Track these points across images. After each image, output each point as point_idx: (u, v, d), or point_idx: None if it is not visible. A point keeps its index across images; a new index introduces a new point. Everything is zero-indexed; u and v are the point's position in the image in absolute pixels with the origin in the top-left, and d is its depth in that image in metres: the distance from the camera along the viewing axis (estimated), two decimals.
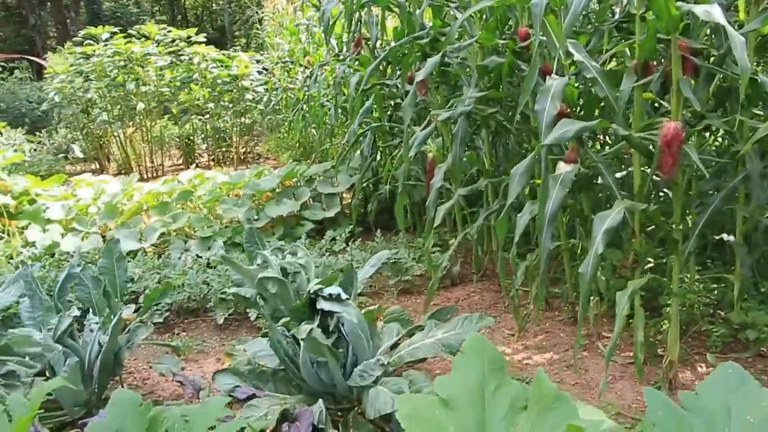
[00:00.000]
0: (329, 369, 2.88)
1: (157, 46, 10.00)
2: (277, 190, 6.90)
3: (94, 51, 9.86)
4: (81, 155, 12.01)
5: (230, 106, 10.20)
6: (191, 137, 11.12)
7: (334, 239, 5.99)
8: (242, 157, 11.83)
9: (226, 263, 3.83)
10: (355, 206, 6.15)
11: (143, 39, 10.09)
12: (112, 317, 3.32)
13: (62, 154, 12.06)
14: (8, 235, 6.32)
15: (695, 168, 3.21)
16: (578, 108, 3.73)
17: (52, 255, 5.89)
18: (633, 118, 3.35)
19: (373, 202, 6.37)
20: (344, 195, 7.05)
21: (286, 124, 9.80)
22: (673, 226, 3.15)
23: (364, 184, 6.27)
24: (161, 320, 4.79)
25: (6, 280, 3.85)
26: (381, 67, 5.69)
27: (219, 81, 9.95)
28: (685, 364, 3.55)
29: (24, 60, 15.05)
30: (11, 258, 5.90)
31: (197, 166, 11.37)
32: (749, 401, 1.59)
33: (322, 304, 2.94)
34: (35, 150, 12.05)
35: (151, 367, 3.76)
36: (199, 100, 10.04)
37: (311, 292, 3.02)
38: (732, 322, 3.64)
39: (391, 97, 5.95)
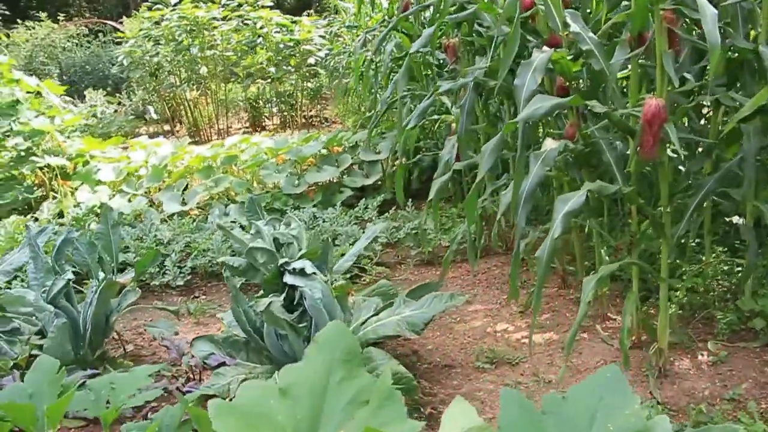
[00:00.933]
0: (290, 342, 2.89)
1: (222, 10, 10.14)
2: (321, 156, 6.92)
3: (163, 16, 10.11)
4: (156, 117, 12.40)
5: (293, 70, 10.26)
6: (258, 101, 11.28)
7: (366, 207, 5.98)
8: (309, 121, 11.92)
9: (222, 231, 3.89)
10: (390, 175, 6.11)
11: (210, 3, 10.24)
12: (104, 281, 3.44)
13: (139, 116, 12.50)
14: (61, 195, 6.62)
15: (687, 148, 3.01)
16: (580, 82, 3.55)
17: (97, 215, 6.14)
18: (630, 93, 3.17)
19: (414, 171, 6.31)
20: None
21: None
22: (661, 209, 2.98)
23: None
24: (182, 283, 4.94)
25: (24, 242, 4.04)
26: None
27: (281, 45, 10.02)
28: (686, 351, 3.39)
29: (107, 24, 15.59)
30: (61, 217, 6.19)
31: (263, 129, 11.55)
32: (615, 408, 1.49)
33: (287, 278, 2.95)
34: (115, 111, 12.51)
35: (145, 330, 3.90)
36: (261, 64, 10.15)
37: (279, 265, 3.04)
38: (743, 309, 3.44)
39: (428, 66, 5.83)
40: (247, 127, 12.21)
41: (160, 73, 10.54)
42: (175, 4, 10.13)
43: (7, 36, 14.74)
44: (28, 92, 7.62)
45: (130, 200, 6.59)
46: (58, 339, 3.25)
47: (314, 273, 2.97)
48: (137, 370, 2.38)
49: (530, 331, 3.05)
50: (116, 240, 3.70)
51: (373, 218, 5.64)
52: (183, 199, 6.50)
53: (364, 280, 4.84)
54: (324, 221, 5.64)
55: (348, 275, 4.71)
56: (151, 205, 6.59)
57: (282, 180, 6.59)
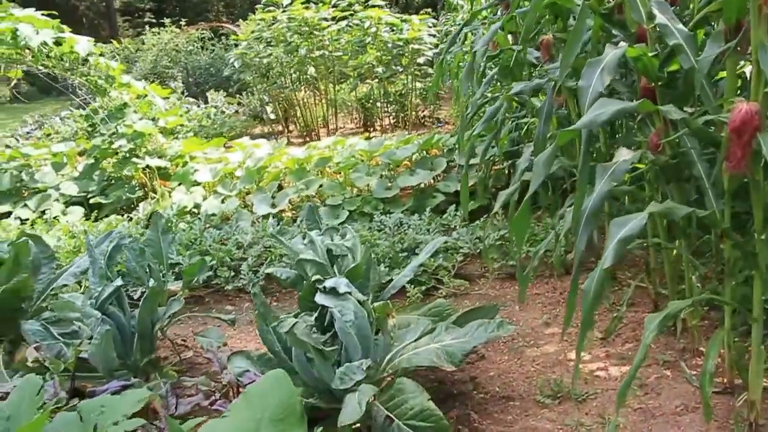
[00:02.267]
0: (316, 366, 2.66)
1: (333, 10, 10.09)
2: (416, 160, 6.68)
3: (275, 18, 10.19)
4: (273, 117, 12.58)
5: (400, 69, 10.07)
6: (369, 101, 11.17)
7: (456, 214, 5.67)
8: (421, 122, 11.70)
9: (275, 241, 3.72)
10: (481, 180, 5.76)
11: (320, 3, 10.22)
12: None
13: (257, 116, 12.73)
14: (159, 195, 6.73)
15: None
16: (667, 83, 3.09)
17: (192, 215, 6.19)
18: (725, 95, 2.71)
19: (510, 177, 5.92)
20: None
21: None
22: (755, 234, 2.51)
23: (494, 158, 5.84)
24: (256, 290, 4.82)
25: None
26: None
27: (390, 44, 9.84)
28: None
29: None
30: (174, 217, 6.27)
31: (374, 129, 11.44)
32: None
33: (318, 297, 2.72)
34: (236, 112, 12.80)
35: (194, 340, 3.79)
36: (370, 63, 10.02)
37: (312, 281, 2.81)
38: None
39: (520, 65, 5.42)
40: (359, 128, 12.14)
41: (271, 74, 10.63)
42: (287, 6, 10.18)
43: (142, 42, 15.48)
44: (138, 96, 7.85)
45: (223, 201, 6.61)
46: (102, 345, 3.18)
47: (348, 293, 2.72)
48: (128, 393, 2.22)
49: (575, 366, 2.66)
50: (165, 247, 3.62)
51: (457, 226, 5.32)
52: (273, 201, 6.44)
53: (440, 293, 4.54)
54: (409, 228, 5.38)
55: (422, 288, 4.44)
56: (244, 207, 6.58)
57: (374, 183, 6.39)
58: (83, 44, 7.12)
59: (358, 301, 2.77)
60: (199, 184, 6.89)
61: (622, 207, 4.02)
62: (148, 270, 3.44)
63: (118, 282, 3.39)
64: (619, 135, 4.09)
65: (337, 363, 2.70)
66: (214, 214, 6.11)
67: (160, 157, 7.07)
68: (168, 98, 8.49)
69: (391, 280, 3.82)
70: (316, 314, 2.76)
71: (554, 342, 3.70)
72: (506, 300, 4.36)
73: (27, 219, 6.62)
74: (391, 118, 11.75)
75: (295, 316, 2.79)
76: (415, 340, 2.81)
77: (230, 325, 3.84)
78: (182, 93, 12.92)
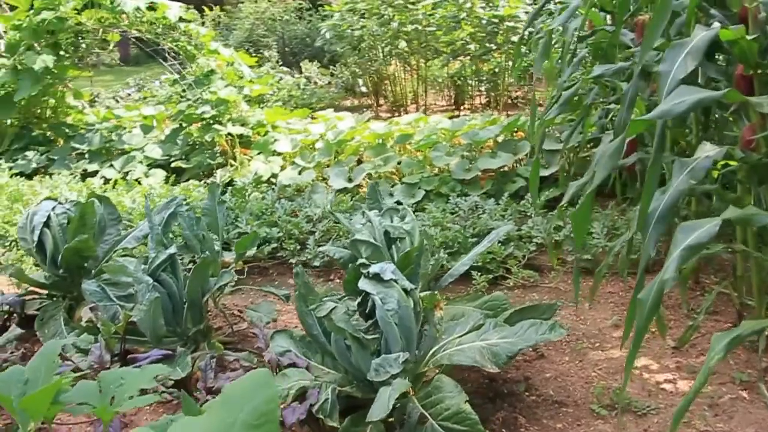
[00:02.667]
0: (353, 354, 2.54)
1: None
2: (499, 142, 6.43)
3: None
4: (366, 90, 12.49)
5: (494, 47, 9.75)
6: (460, 78, 10.91)
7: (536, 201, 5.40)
8: (514, 102, 11.35)
9: (333, 218, 3.61)
10: (562, 167, 5.48)
11: None
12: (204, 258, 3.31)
13: (349, 89, 12.67)
14: (238, 163, 6.75)
15: None
16: None
17: (267, 185, 6.18)
18: None
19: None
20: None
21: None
22: None
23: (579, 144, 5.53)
24: (319, 264, 4.76)
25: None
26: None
27: (484, 21, 9.53)
28: None
29: None
30: (230, 185, 6.30)
31: (465, 108, 11.18)
32: None
33: (361, 283, 2.58)
34: (328, 83, 12.78)
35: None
36: (462, 40, 9.74)
37: (357, 265, 2.68)
38: None
39: (615, 46, 5.07)
40: (449, 105, 11.89)
41: (362, 46, 10.51)
42: None
43: (240, 10, 15.64)
44: (228, 64, 7.88)
45: (300, 173, 6.56)
46: (150, 312, 3.16)
47: (393, 280, 2.56)
48: (149, 368, 2.15)
49: (623, 381, 2.42)
50: (221, 217, 3.56)
51: (533, 214, 5.06)
52: (350, 175, 6.34)
53: (508, 283, 4.33)
54: (484, 212, 5.17)
55: (489, 276, 4.25)
56: (321, 180, 6.53)
57: (453, 163, 6.19)
58: (174, 10, 7.19)
59: (405, 290, 2.61)
60: (278, 154, 6.86)
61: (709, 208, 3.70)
62: (201, 239, 3.39)
63: (172, 249, 3.36)
64: (714, 128, 3.76)
65: (377, 353, 2.56)
66: (288, 186, 6.08)
67: (242, 125, 7.08)
68: (255, 67, 8.48)
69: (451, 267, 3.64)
70: (359, 299, 2.62)
71: (618, 347, 3.45)
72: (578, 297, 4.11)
73: (110, 179, 6.77)
74: (482, 97, 11.45)
75: (340, 300, 2.66)
76: (461, 336, 2.64)
77: (284, 300, 3.77)
78: (276, 62, 13.00)
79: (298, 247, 4.92)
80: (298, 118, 7.74)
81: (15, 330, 3.36)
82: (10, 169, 6.99)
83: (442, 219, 4.96)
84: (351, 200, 5.73)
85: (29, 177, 6.92)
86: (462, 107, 11.26)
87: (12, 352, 3.50)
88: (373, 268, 2.57)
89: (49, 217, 3.78)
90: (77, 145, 7.32)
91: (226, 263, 3.66)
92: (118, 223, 4.14)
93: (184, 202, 3.58)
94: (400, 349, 2.52)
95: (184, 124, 7.25)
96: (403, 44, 9.95)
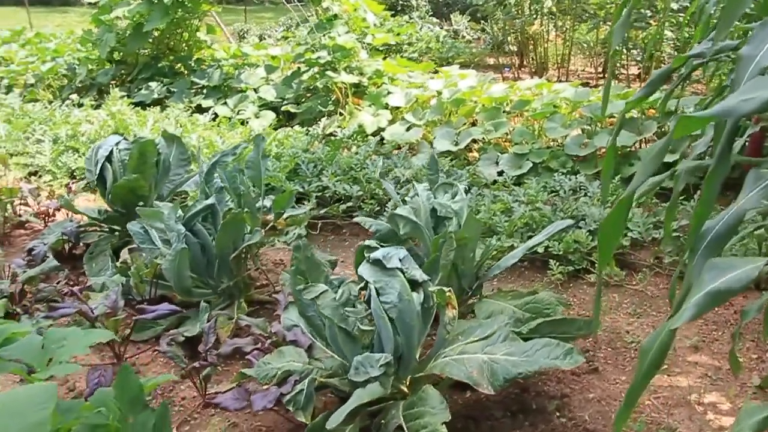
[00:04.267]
0: (340, 345, 2.27)
1: None
2: (624, 118, 5.79)
3: None
4: (514, 49, 11.89)
5: (649, 14, 8.86)
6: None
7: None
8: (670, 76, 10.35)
9: (383, 185, 3.31)
10: (683, 154, 4.83)
11: None
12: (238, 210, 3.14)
13: (497, 46, 12.10)
14: (347, 113, 6.55)
15: None
16: None
17: (368, 137, 5.96)
18: None
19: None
20: None
21: None
22: None
23: None
24: (300, 242, 4.48)
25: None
26: None
27: None
28: None
29: None
30: (331, 136, 6.12)
31: (615, 78, 10.34)
32: None
33: (361, 268, 2.29)
34: (478, 38, 12.29)
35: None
36: (614, 3, 8.93)
37: (363, 246, 2.39)
38: None
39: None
40: (597, 74, 11.06)
41: (508, 3, 9.91)
42: None
43: None
44: (355, 9, 7.64)
45: (408, 129, 6.27)
46: (175, 262, 3.05)
47: (397, 268, 2.25)
48: (94, 332, 2.00)
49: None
50: (263, 171, 3.36)
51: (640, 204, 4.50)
52: (456, 138, 5.97)
53: (589, 278, 3.88)
54: (585, 195, 4.68)
55: (570, 268, 3.82)
56: (429, 140, 6.21)
57: (568, 137, 5.66)
58: None
59: (413, 281, 2.30)
60: (390, 107, 6.59)
61: None
62: (239, 193, 3.21)
63: (210, 201, 3.22)
64: None
65: (370, 347, 2.28)
66: (385, 142, 5.81)
67: (360, 74, 6.85)
68: (395, 15, 8.18)
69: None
70: (361, 285, 2.34)
71: (695, 374, 2.95)
72: (661, 305, 3.60)
73: (220, 116, 6.79)
74: (635, 67, 10.53)
75: (342, 283, 2.39)
76: (466, 343, 2.29)
77: (331, 267, 3.54)
78: (426, 12, 12.63)
79: (377, 208, 4.67)
80: (422, 71, 7.40)
81: (51, 262, 3.37)
82: (129, 96, 7.18)
83: (535, 197, 4.52)
84: (452, 163, 5.39)
85: (147, 107, 7.08)
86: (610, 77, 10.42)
87: (58, 282, 3.53)
88: (377, 253, 2.27)
89: (111, 152, 3.75)
90: (197, 80, 7.41)
91: (267, 221, 3.47)
92: (188, 164, 4.07)
93: (232, 154, 3.39)
94: (392, 349, 2.22)
95: (302, 68, 7.13)
96: (549, 2, 9.26)
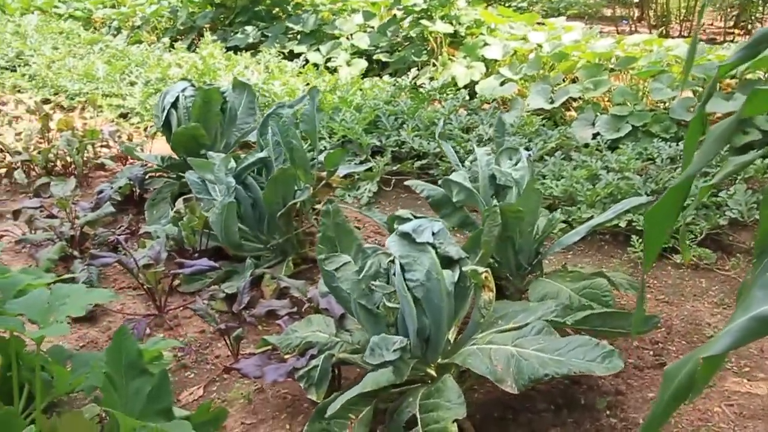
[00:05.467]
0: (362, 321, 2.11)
1: None
2: (742, 81, 5.26)
3: None
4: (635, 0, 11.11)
5: None
6: None
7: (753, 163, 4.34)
8: None
9: (440, 144, 3.08)
10: None
11: None
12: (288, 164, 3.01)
13: None
14: (441, 65, 6.28)
15: None
16: None
17: (459, 90, 5.68)
18: None
19: None
20: None
21: None
22: None
23: None
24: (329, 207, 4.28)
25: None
26: None
27: None
28: None
29: None
30: (416, 88, 5.87)
31: (747, 34, 9.47)
32: None
33: (389, 240, 2.10)
34: None
35: None
36: None
37: (393, 216, 2.20)
38: None
39: None
40: (728, 29, 10.18)
41: None
42: None
43: None
44: None
45: (502, 84, 5.94)
46: (222, 216, 2.97)
47: (428, 243, 2.05)
48: (97, 292, 1.92)
49: None
50: (317, 125, 3.20)
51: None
52: (552, 96, 5.60)
53: (676, 259, 3.53)
54: (675, 169, 4.28)
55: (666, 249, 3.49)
56: (524, 96, 5.87)
57: (676, 100, 5.18)
58: None
59: (449, 259, 2.09)
60: (485, 59, 6.25)
61: None
62: (291, 147, 3.07)
63: (262, 154, 3.10)
64: None
65: (391, 325, 2.10)
66: (475, 96, 5.52)
67: (458, 23, 6.53)
68: None
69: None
70: (390, 258, 2.15)
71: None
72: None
73: (309, 62, 6.67)
74: None
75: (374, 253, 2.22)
76: (497, 332, 2.07)
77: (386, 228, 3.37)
78: None
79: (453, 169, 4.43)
80: (525, 23, 6.97)
81: (107, 207, 3.36)
82: (225, 40, 7.17)
83: (626, 164, 4.16)
84: (539, 124, 5.05)
85: (241, 51, 7.04)
86: (743, 33, 9.55)
87: (120, 227, 3.54)
88: (407, 225, 2.07)
89: (177, 99, 3.69)
90: (292, 25, 7.28)
91: (321, 177, 3.32)
92: (257, 113, 3.97)
93: (287, 106, 3.24)
94: (415, 331, 2.03)
95: (398, 15, 6.87)
96: None
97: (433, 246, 2.07)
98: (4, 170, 4.35)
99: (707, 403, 2.47)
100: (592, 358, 1.81)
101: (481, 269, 2.06)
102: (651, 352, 2.74)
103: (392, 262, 2.10)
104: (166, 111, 3.69)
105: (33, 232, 3.39)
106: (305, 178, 3.14)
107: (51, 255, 3.09)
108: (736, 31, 9.58)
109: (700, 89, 5.29)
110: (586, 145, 4.73)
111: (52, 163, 4.40)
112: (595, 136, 4.97)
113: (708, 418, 2.39)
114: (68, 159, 4.38)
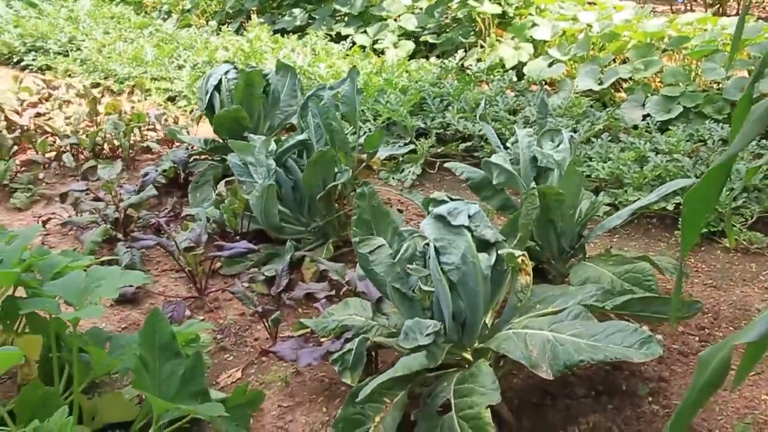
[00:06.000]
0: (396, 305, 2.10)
1: None
2: None
3: None
4: None
5: None
6: None
7: None
8: None
9: (482, 126, 3.02)
10: None
11: None
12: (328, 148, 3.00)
13: None
14: (489, 46, 6.19)
15: None
16: None
17: (508, 72, 5.59)
18: None
19: None
20: None
21: None
22: None
23: None
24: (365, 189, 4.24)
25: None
26: None
27: None
28: None
29: None
30: (462, 70, 5.80)
31: None
32: None
33: (425, 222, 2.08)
34: None
35: None
36: None
37: (428, 199, 2.17)
38: None
39: None
40: None
41: None
42: None
43: None
44: None
45: (550, 65, 5.83)
46: (262, 199, 2.98)
47: (463, 226, 2.02)
48: (132, 274, 1.94)
49: None
50: (358, 106, 3.17)
51: None
52: (601, 77, 5.47)
53: (724, 243, 3.42)
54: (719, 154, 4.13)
55: (703, 230, 3.38)
56: (572, 77, 5.75)
57: (730, 80, 5.01)
58: None
59: (484, 242, 2.06)
60: (534, 40, 6.14)
61: None
62: (331, 129, 3.05)
63: (302, 136, 3.10)
64: None
65: (427, 309, 2.08)
66: (523, 77, 5.43)
67: (507, 4, 6.42)
68: None
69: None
70: (426, 241, 2.13)
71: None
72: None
73: (356, 44, 6.64)
74: None
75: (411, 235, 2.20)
76: (534, 316, 2.04)
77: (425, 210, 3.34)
78: None
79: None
80: (574, 2, 6.81)
81: (150, 190, 3.40)
82: (273, 23, 7.18)
83: (676, 146, 4.04)
84: (587, 105, 4.94)
85: (289, 34, 7.05)
86: None
87: (164, 209, 3.59)
88: (442, 208, 2.04)
89: (220, 81, 3.71)
90: (339, 7, 7.25)
91: (361, 160, 3.30)
92: (299, 95, 3.97)
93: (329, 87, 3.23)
94: (450, 315, 2.01)
95: None
96: None
97: (469, 229, 2.04)
98: (53, 154, 4.43)
99: (754, 391, 2.39)
100: (629, 344, 1.76)
101: (517, 252, 2.02)
102: (697, 338, 2.67)
103: (428, 245, 2.08)
104: (209, 94, 3.71)
105: (79, 214, 3.45)
106: (345, 160, 3.13)
107: (95, 237, 3.14)
108: None
109: (752, 69, 5.11)
110: (635, 127, 4.62)
111: (100, 147, 4.47)
112: (644, 117, 4.85)
113: (755, 405, 2.32)
114: (115, 142, 4.45)
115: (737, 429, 2.18)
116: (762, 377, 2.45)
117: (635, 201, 3.46)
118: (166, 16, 8.84)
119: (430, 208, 2.11)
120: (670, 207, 3.52)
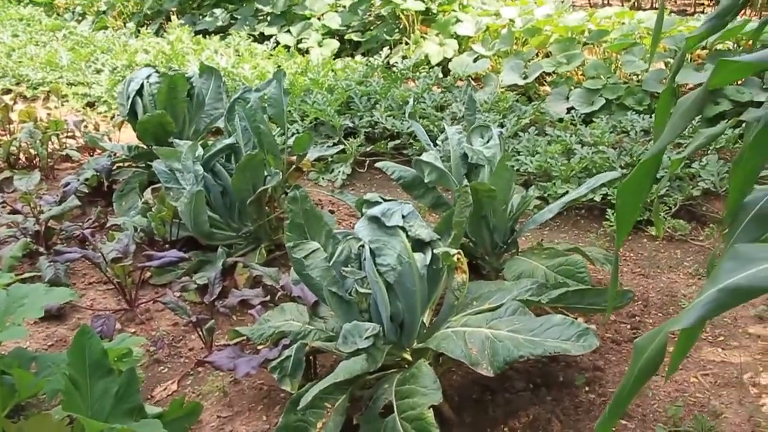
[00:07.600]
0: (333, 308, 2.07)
1: None
2: (714, 51, 5.25)
3: None
4: None
5: None
6: None
7: (723, 134, 4.34)
8: None
9: (411, 124, 3.03)
10: None
11: None
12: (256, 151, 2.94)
13: None
14: (413, 43, 6.21)
15: None
16: None
17: (427, 71, 5.62)
18: None
19: None
20: None
21: None
22: None
23: None
24: (296, 193, 4.20)
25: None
26: None
27: None
28: None
29: None
30: (388, 68, 5.80)
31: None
32: None
33: (358, 225, 2.06)
34: None
35: None
36: None
37: (362, 201, 2.15)
38: None
39: None
40: (698, 0, 10.13)
41: None
42: None
43: None
44: None
45: (475, 61, 5.88)
46: (191, 205, 2.90)
47: (398, 227, 2.00)
48: (56, 291, 1.85)
49: None
50: (285, 109, 3.13)
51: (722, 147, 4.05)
52: (525, 71, 5.56)
53: (651, 231, 3.52)
54: (649, 141, 4.26)
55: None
56: (497, 72, 5.82)
57: (648, 72, 5.16)
58: None
59: (419, 241, 2.05)
60: (457, 36, 6.19)
61: None
62: (259, 132, 3.00)
63: (229, 140, 3.03)
64: None
65: (364, 312, 2.06)
66: (449, 74, 5.47)
67: (431, 1, 6.44)
68: None
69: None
70: (360, 243, 2.10)
71: (752, 349, 2.61)
72: None
73: (280, 44, 6.56)
74: None
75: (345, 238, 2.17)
76: (471, 314, 2.04)
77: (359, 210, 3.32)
78: None
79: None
80: None
81: (72, 201, 3.28)
82: (194, 24, 7.03)
83: (600, 138, 4.13)
84: (513, 100, 5.00)
85: (211, 35, 6.92)
86: (712, 3, 9.50)
87: (88, 219, 3.46)
88: (375, 209, 2.03)
89: (142, 86, 3.60)
90: (261, 7, 7.16)
91: (291, 162, 3.26)
92: (225, 98, 3.89)
93: (254, 89, 3.17)
94: (388, 316, 2.00)
95: None
96: None
97: (404, 229, 2.03)
98: None
99: (683, 374, 2.47)
100: (567, 338, 1.79)
101: (453, 251, 2.02)
102: (628, 326, 2.74)
103: (363, 247, 2.06)
104: (131, 99, 3.60)
105: None
106: (275, 163, 3.08)
107: (14, 252, 3.00)
108: (706, 1, 9.53)
109: (672, 61, 5.27)
110: (561, 120, 4.71)
111: (15, 156, 4.28)
112: (569, 110, 4.95)
113: (684, 388, 2.39)
114: (31, 151, 4.26)
115: (669, 412, 2.24)
116: (690, 360, 2.53)
117: (564, 193, 3.53)
118: (80, 18, 8.56)
119: (363, 210, 2.08)
120: (598, 198, 3.61)
